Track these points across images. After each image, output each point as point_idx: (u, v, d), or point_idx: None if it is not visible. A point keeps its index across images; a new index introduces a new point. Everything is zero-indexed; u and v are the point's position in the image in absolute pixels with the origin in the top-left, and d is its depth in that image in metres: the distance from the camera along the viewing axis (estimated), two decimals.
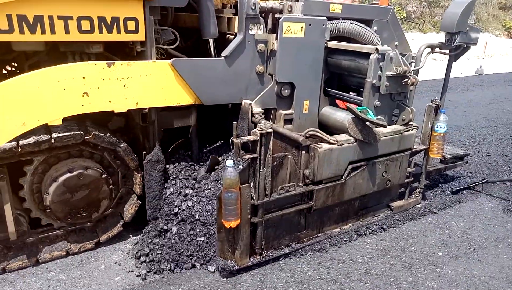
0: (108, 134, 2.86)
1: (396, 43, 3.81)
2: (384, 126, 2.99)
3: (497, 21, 23.11)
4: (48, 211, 2.77)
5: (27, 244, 2.89)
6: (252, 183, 2.65)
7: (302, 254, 3.06)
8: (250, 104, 3.17)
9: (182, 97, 2.97)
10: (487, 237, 3.45)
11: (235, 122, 2.46)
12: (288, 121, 3.38)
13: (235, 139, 2.45)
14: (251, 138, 2.52)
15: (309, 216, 3.10)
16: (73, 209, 2.85)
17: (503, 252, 3.25)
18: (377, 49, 3.04)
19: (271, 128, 2.55)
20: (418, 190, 3.83)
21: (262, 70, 3.20)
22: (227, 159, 2.70)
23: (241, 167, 2.75)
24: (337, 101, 3.88)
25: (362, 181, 3.20)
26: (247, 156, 2.52)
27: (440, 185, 4.38)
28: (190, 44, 3.62)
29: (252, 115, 3.18)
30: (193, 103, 3.04)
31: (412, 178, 3.67)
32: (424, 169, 3.74)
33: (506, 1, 24.14)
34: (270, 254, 2.93)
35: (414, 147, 3.52)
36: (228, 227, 2.57)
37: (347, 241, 3.28)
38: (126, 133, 3.39)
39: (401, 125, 3.37)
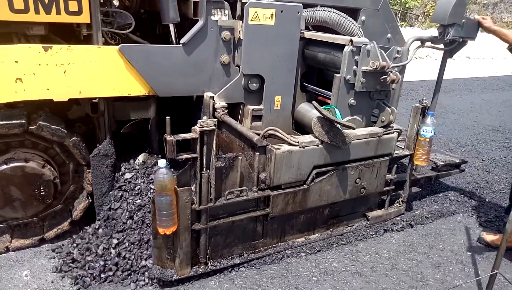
0: (56, 125, 2.61)
1: (389, 36, 3.43)
2: (352, 128, 2.65)
3: None
4: None
5: None
6: (193, 186, 2.39)
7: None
8: (211, 97, 2.89)
9: (133, 87, 2.71)
10: None
11: (168, 117, 2.19)
12: (256, 117, 3.08)
13: (168, 136, 2.18)
14: (188, 135, 2.24)
15: (267, 224, 2.82)
16: (9, 203, 2.66)
17: None
18: (351, 41, 2.69)
19: (214, 125, 2.27)
20: (401, 199, 3.47)
21: (228, 60, 2.90)
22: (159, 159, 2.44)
23: None
24: (320, 98, 3.55)
25: (330, 187, 2.88)
26: (184, 156, 2.25)
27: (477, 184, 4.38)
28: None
29: (214, 109, 2.91)
30: (147, 94, 2.78)
31: (393, 186, 3.31)
32: (409, 176, 3.37)
33: None
34: (218, 264, 2.67)
35: (396, 152, 3.17)
36: (163, 233, 2.32)
37: (373, 236, 3.24)
38: (87, 123, 3.17)
39: (380, 127, 3.02)
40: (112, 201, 2.90)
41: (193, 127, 2.27)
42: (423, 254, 3.09)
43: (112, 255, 2.64)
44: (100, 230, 2.77)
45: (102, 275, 2.54)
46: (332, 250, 3.04)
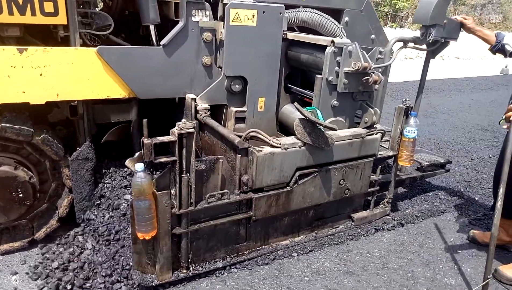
0: (21, 125, 2.52)
1: (373, 36, 3.42)
2: (334, 130, 2.63)
3: None
4: None
5: None
6: (173, 190, 2.35)
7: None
8: (193, 99, 2.86)
9: (113, 89, 2.67)
10: None
11: (145, 120, 2.14)
12: (240, 119, 3.05)
13: (145, 139, 2.14)
14: (167, 138, 2.20)
15: (250, 227, 2.78)
16: None
17: None
18: (333, 42, 2.67)
19: (193, 127, 2.23)
20: (386, 200, 3.45)
21: (210, 61, 2.87)
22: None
23: None
24: (306, 99, 3.53)
25: (314, 189, 2.86)
26: (162, 160, 2.21)
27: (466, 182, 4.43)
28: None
29: (196, 111, 2.87)
30: (127, 96, 2.74)
31: (378, 187, 3.29)
32: (394, 177, 3.36)
33: None
34: (200, 268, 2.63)
35: (381, 153, 3.15)
36: (142, 238, 2.28)
37: (365, 235, 3.26)
38: (68, 126, 3.11)
39: (363, 128, 3.00)
40: (93, 207, 2.86)
41: (171, 130, 2.23)
42: (414, 252, 3.12)
43: (94, 261, 2.59)
44: (80, 238, 2.72)
45: (87, 283, 2.49)
46: (323, 250, 3.05)
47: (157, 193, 2.26)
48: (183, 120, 2.22)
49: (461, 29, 3.17)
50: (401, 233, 3.36)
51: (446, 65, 13.69)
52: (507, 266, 2.90)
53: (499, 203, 2.37)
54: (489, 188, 4.33)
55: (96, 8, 3.48)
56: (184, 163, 2.28)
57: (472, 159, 5.25)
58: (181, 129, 2.19)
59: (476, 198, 4.12)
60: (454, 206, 3.92)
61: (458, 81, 11.15)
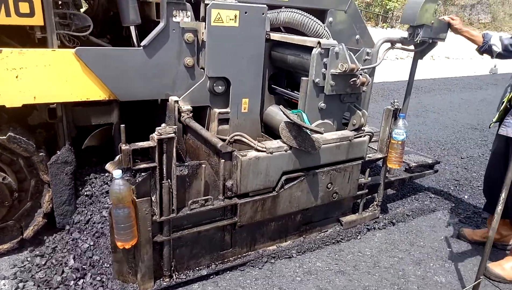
0: None
1: (357, 37, 3.36)
2: (320, 133, 2.57)
3: None
4: None
5: None
6: (154, 196, 2.26)
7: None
8: (176, 101, 2.78)
9: (92, 91, 2.59)
10: None
11: (123, 126, 2.06)
12: (223, 121, 2.99)
13: (123, 145, 2.05)
14: (146, 144, 2.12)
15: (236, 233, 2.71)
16: None
17: None
18: (319, 43, 2.61)
19: (174, 132, 2.15)
20: (375, 202, 3.40)
21: (192, 62, 2.80)
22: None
23: None
24: (294, 100, 3.46)
25: (301, 193, 2.79)
26: (142, 166, 2.12)
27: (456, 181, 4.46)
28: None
29: (179, 113, 2.80)
30: (107, 98, 2.66)
31: (367, 190, 3.24)
32: (383, 179, 3.30)
33: None
34: (184, 277, 2.55)
35: (369, 155, 3.09)
36: (122, 248, 2.19)
37: (356, 234, 3.24)
38: (48, 129, 3.01)
39: (351, 130, 2.94)
40: (74, 213, 2.77)
41: (151, 135, 2.15)
42: (405, 251, 3.12)
43: (75, 268, 2.50)
44: (59, 246, 2.63)
45: None
46: (315, 249, 3.03)
47: (136, 200, 2.18)
48: (163, 125, 2.14)
49: (449, 29, 3.12)
50: (392, 232, 3.37)
51: (437, 65, 13.76)
52: (496, 263, 2.92)
53: (500, 208, 2.36)
54: (478, 186, 4.35)
55: (81, 9, 3.41)
56: (164, 169, 2.20)
57: (462, 158, 5.29)
58: (161, 134, 2.11)
59: (466, 197, 4.15)
60: (444, 204, 3.94)
61: (448, 80, 11.24)
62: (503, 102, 2.79)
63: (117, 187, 2.05)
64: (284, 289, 2.61)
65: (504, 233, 3.15)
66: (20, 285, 2.44)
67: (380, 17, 18.03)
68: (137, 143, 2.10)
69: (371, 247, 3.12)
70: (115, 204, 2.08)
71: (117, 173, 2.05)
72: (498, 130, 2.82)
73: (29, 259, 2.66)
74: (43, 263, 2.61)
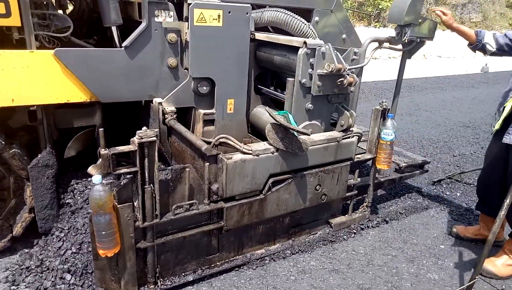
0: None
1: (344, 36, 3.32)
2: (307, 135, 2.52)
3: (504, 19, 22.35)
4: None
5: None
6: (136, 202, 2.20)
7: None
8: (160, 103, 2.72)
9: (73, 93, 2.52)
10: None
11: (101, 129, 2.00)
12: (209, 122, 2.93)
13: (102, 149, 1.99)
14: (126, 148, 2.06)
15: (222, 237, 2.66)
16: None
17: None
18: (305, 43, 2.56)
19: (155, 136, 2.09)
20: (365, 204, 3.36)
21: (175, 63, 2.74)
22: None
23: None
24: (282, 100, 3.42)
25: (289, 196, 2.74)
26: (122, 171, 2.06)
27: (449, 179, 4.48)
28: None
29: (163, 115, 2.74)
30: (88, 100, 2.59)
31: (356, 191, 3.19)
32: (372, 180, 3.26)
33: None
34: (169, 283, 2.49)
35: (358, 156, 3.05)
36: (104, 256, 2.13)
37: (350, 233, 3.26)
38: (30, 132, 2.94)
39: (339, 131, 2.90)
40: (56, 218, 2.70)
41: (131, 139, 2.09)
42: (398, 249, 3.13)
43: (59, 275, 2.44)
44: (40, 254, 2.56)
45: None
46: (309, 249, 3.03)
47: (118, 206, 2.12)
48: (144, 128, 2.07)
49: (438, 24, 3.07)
50: (386, 230, 3.37)
51: (429, 63, 13.81)
52: (487, 260, 2.91)
53: (503, 213, 2.37)
54: (470, 184, 4.36)
55: (67, 10, 3.33)
56: (146, 173, 2.14)
57: (454, 156, 5.32)
58: (142, 138, 2.05)
59: (458, 194, 4.17)
60: (437, 202, 3.96)
61: (440, 79, 11.27)
62: (504, 107, 2.71)
63: (97, 193, 1.99)
64: (279, 289, 2.60)
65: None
66: (13, 288, 2.40)
67: (373, 16, 18.04)
68: (117, 148, 2.04)
69: (365, 246, 3.13)
70: (95, 210, 2.01)
71: (96, 178, 1.98)
72: (493, 133, 2.80)
73: (20, 262, 2.61)
74: (33, 267, 2.55)
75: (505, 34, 2.86)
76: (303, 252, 2.97)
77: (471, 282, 2.50)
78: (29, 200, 2.71)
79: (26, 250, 2.74)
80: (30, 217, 2.74)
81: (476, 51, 3.02)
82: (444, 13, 3.01)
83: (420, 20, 2.96)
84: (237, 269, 2.73)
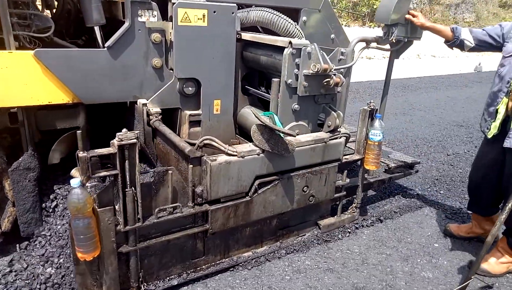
0: None
1: (333, 36, 3.28)
2: (292, 136, 2.48)
3: (497, 19, 22.45)
4: None
5: None
6: (117, 205, 2.16)
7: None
8: (144, 104, 2.67)
9: (54, 94, 2.47)
10: None
11: (79, 132, 1.95)
12: (195, 123, 2.88)
13: (80, 152, 1.94)
14: (106, 151, 2.02)
15: (208, 240, 2.62)
16: None
17: None
18: (290, 43, 2.52)
19: (136, 138, 2.05)
20: (354, 205, 3.33)
21: (160, 64, 2.69)
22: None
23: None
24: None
25: (276, 198, 2.71)
26: (101, 174, 2.02)
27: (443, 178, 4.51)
28: None
29: (148, 116, 2.69)
30: (71, 101, 2.54)
31: (345, 192, 3.16)
32: (361, 181, 3.23)
33: None
34: (153, 287, 2.44)
35: (346, 157, 3.01)
36: (83, 260, 2.08)
37: (345, 232, 3.27)
38: (14, 134, 2.89)
39: (327, 132, 2.86)
40: (39, 222, 2.65)
41: (111, 141, 2.04)
42: (392, 248, 3.14)
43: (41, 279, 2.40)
44: (22, 259, 2.51)
45: None
46: (304, 248, 3.04)
47: (98, 210, 2.08)
48: (124, 130, 2.03)
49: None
50: (380, 229, 3.38)
51: (423, 63, 13.84)
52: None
53: (503, 217, 2.36)
54: (464, 183, 4.37)
55: (53, 10, 3.27)
56: (127, 176, 2.09)
57: (448, 155, 5.35)
58: (121, 140, 2.01)
59: (452, 193, 4.19)
60: (431, 201, 3.97)
61: (434, 79, 11.31)
62: (497, 109, 2.66)
63: (75, 196, 1.94)
64: (274, 288, 2.60)
65: (487, 228, 3.13)
66: None
67: (367, 16, 18.06)
68: (96, 150, 2.00)
69: (359, 245, 3.14)
70: (74, 214, 1.97)
71: (74, 181, 1.94)
72: (486, 135, 2.79)
73: (6, 266, 2.56)
74: (20, 271, 2.51)
75: (483, 29, 2.84)
76: (298, 252, 2.97)
77: (467, 282, 2.50)
78: (9, 193, 2.63)
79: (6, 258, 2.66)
80: (16, 211, 2.67)
81: (454, 48, 2.99)
82: (414, 16, 2.97)
83: (407, 20, 2.93)
84: (232, 269, 2.72)
